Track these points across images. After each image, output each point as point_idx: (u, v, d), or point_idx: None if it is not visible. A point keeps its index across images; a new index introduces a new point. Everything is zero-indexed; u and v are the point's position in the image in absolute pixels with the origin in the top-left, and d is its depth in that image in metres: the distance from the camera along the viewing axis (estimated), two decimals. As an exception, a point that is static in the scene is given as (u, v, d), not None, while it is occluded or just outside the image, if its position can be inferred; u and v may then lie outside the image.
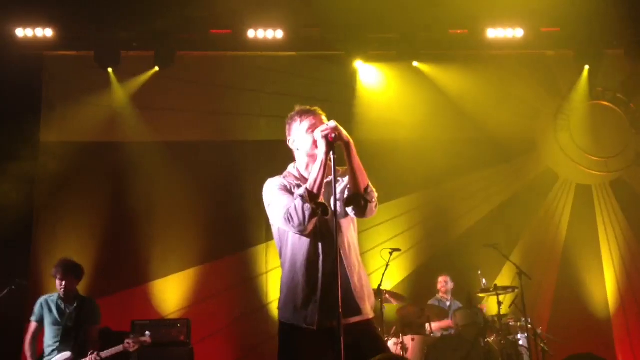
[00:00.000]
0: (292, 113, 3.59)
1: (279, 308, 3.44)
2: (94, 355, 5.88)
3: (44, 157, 8.68)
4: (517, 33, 8.75)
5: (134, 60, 8.84)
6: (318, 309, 3.26)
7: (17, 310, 6.49)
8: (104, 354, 5.96)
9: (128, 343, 6.02)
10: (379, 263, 7.50)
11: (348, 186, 3.38)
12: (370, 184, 3.35)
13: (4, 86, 8.22)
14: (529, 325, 7.20)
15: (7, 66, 8.23)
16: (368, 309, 3.38)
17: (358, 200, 3.29)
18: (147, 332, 6.18)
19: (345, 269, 3.32)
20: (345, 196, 3.36)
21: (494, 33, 8.75)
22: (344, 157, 3.33)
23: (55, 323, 6.04)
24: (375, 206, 3.38)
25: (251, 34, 8.57)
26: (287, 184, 3.47)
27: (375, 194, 3.36)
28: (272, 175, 3.57)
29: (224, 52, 9.00)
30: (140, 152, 8.73)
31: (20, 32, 8.33)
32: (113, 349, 6.01)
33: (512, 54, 9.12)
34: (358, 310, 3.32)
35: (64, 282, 6.06)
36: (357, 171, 3.31)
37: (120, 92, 8.89)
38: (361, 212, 3.32)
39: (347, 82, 9.01)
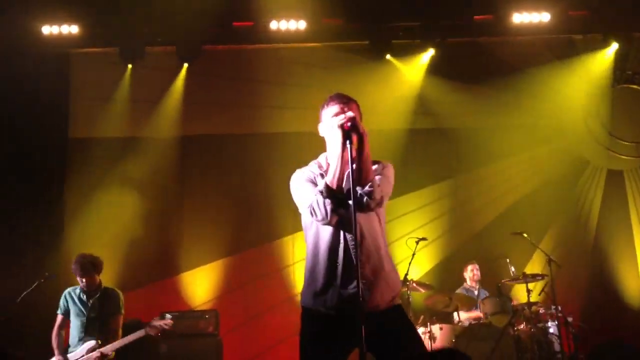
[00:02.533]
0: (327, 98, 3.56)
1: (301, 293, 3.51)
2: (98, 352, 5.98)
3: (73, 153, 8.82)
4: (543, 17, 8.61)
5: (159, 56, 8.91)
6: (337, 294, 3.29)
7: (47, 303, 6.58)
8: (122, 340, 6.04)
9: (150, 327, 6.08)
10: (406, 253, 7.45)
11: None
12: (375, 182, 3.30)
13: (32, 84, 8.34)
14: (560, 314, 7.11)
15: (35, 63, 8.34)
16: (376, 301, 3.31)
17: (357, 195, 3.20)
18: (168, 315, 6.23)
19: (358, 259, 3.22)
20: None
21: (520, 18, 8.62)
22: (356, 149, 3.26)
23: (79, 314, 6.17)
24: (378, 202, 3.32)
25: (274, 25, 8.57)
26: (310, 174, 3.49)
27: (377, 194, 3.29)
28: (297, 167, 3.58)
29: (247, 45, 9.01)
30: (166, 146, 8.82)
31: (47, 30, 8.46)
32: (133, 334, 6.07)
33: (539, 39, 8.98)
34: (365, 301, 3.21)
35: (84, 280, 6.18)
36: (363, 165, 3.26)
37: (142, 88, 8.96)
38: (360, 206, 3.24)
39: (371, 73, 8.95)
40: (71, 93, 8.96)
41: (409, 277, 7.19)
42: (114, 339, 6.08)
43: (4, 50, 8.14)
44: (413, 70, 9.08)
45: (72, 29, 8.48)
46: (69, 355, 6.05)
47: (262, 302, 8.47)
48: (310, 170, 3.53)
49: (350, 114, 3.29)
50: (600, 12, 8.68)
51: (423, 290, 7.50)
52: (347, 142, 3.21)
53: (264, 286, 8.53)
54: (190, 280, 8.53)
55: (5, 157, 8.30)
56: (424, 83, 9.04)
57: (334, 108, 3.45)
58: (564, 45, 9.16)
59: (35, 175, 8.40)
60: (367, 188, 3.27)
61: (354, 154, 3.22)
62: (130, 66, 8.84)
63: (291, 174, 3.57)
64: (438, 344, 7.07)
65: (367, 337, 2.93)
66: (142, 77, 8.93)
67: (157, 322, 6.12)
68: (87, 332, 6.10)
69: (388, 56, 8.97)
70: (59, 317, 6.27)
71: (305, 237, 3.54)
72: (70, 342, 6.17)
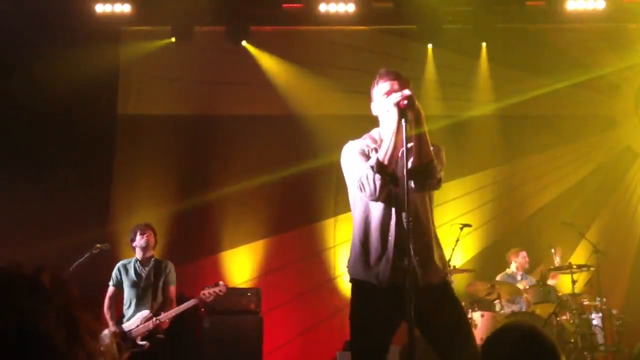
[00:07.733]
0: (377, 76, 3.55)
1: (349, 265, 3.51)
2: (154, 320, 6.09)
3: (122, 128, 8.98)
4: (598, 5, 8.42)
5: (208, 35, 8.98)
6: (390, 267, 3.30)
7: (97, 275, 6.70)
8: (177, 309, 6.16)
9: (204, 294, 6.11)
10: (449, 239, 7.42)
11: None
12: (434, 160, 3.29)
13: (84, 61, 8.47)
14: (604, 306, 7.01)
15: (88, 41, 8.48)
16: (429, 278, 3.34)
17: (416, 173, 3.24)
18: (221, 282, 6.30)
19: (411, 236, 3.26)
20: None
21: (574, 5, 8.44)
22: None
23: (133, 285, 6.30)
24: (438, 182, 3.33)
25: (323, 8, 8.56)
26: (364, 147, 3.47)
27: (439, 172, 3.30)
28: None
29: (296, 27, 9.03)
30: (214, 125, 8.92)
31: (100, 8, 8.59)
32: (187, 303, 6.16)
33: (592, 27, 8.81)
34: (416, 278, 3.24)
35: (146, 236, 6.35)
36: (421, 144, 3.27)
37: (190, 67, 9.04)
38: (419, 185, 3.28)
39: (419, 58, 8.89)
40: (121, 70, 9.10)
41: (451, 264, 7.15)
42: (171, 308, 6.21)
43: (57, 28, 8.29)
44: (460, 56, 8.99)
45: (124, 8, 8.60)
46: (123, 325, 6.18)
47: (302, 283, 8.54)
48: (364, 143, 3.50)
49: (407, 91, 3.26)
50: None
51: (464, 274, 7.47)
52: (403, 120, 3.19)
53: (305, 267, 8.59)
54: (232, 258, 8.63)
55: (57, 132, 8.47)
56: (472, 69, 8.96)
57: (385, 85, 3.42)
58: (618, 34, 8.96)
59: (85, 150, 8.55)
60: (429, 167, 3.27)
61: (410, 132, 3.22)
62: (180, 44, 8.89)
63: (335, 156, 3.58)
64: (479, 331, 7.04)
65: (415, 313, 2.96)
66: (191, 56, 9.01)
67: (212, 289, 6.15)
68: (141, 302, 6.24)
69: (430, 45, 8.90)
70: (111, 289, 6.41)
71: (352, 210, 3.53)
72: (124, 313, 6.29)
